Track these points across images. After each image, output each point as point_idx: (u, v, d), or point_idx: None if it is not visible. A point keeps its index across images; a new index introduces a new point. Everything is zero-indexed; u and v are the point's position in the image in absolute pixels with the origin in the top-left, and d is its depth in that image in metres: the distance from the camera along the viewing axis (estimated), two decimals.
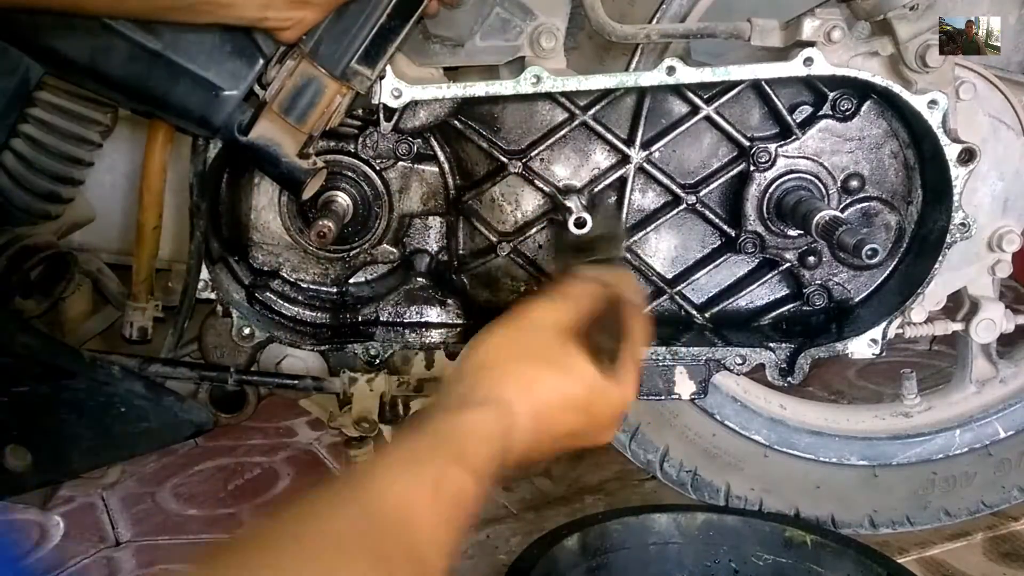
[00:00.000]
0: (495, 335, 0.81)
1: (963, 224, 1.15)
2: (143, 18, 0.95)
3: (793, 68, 1.09)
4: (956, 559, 1.45)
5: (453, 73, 1.14)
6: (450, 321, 1.21)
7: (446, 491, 0.64)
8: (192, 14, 0.93)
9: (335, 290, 1.23)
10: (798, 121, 1.18)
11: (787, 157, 1.18)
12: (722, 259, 1.23)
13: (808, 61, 1.08)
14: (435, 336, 1.20)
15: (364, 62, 1.01)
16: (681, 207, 1.21)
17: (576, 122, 1.17)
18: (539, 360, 0.80)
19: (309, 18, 0.96)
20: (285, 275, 1.21)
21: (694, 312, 1.25)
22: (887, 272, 1.24)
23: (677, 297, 1.24)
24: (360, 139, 1.16)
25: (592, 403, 0.81)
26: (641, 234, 1.22)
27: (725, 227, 1.22)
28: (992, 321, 1.33)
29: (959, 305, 1.36)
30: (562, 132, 1.18)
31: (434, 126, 1.16)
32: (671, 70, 1.08)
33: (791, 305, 1.25)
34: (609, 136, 1.18)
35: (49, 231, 1.12)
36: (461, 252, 1.24)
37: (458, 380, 0.78)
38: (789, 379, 1.21)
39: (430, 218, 1.23)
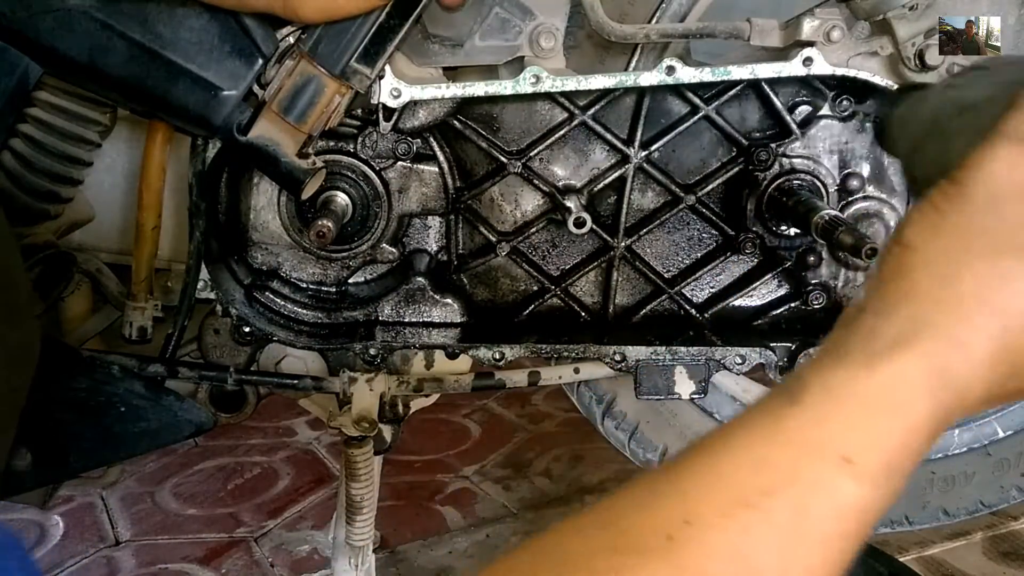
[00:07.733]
0: (923, 225, 0.55)
1: None
2: None
3: (793, 68, 1.09)
4: (956, 558, 1.45)
5: (452, 73, 1.14)
6: (450, 321, 1.21)
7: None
8: None
9: (334, 290, 1.23)
10: (797, 121, 1.18)
11: (786, 157, 1.18)
12: (721, 259, 1.23)
13: (808, 61, 1.08)
14: (435, 336, 1.20)
15: (363, 61, 1.01)
16: (680, 207, 1.21)
17: (575, 122, 1.17)
18: (999, 252, 0.53)
19: None
20: (284, 275, 1.21)
21: (694, 312, 1.25)
22: None
23: (677, 297, 1.24)
24: (359, 139, 1.16)
25: None
26: (640, 234, 1.22)
27: (724, 227, 1.23)
28: None
29: None
30: (561, 132, 1.18)
31: (433, 126, 1.16)
32: (670, 70, 1.09)
33: (791, 305, 1.25)
34: (608, 136, 1.18)
35: (49, 231, 1.12)
36: (461, 252, 1.24)
37: (879, 309, 0.54)
38: None
39: (429, 218, 1.24)
